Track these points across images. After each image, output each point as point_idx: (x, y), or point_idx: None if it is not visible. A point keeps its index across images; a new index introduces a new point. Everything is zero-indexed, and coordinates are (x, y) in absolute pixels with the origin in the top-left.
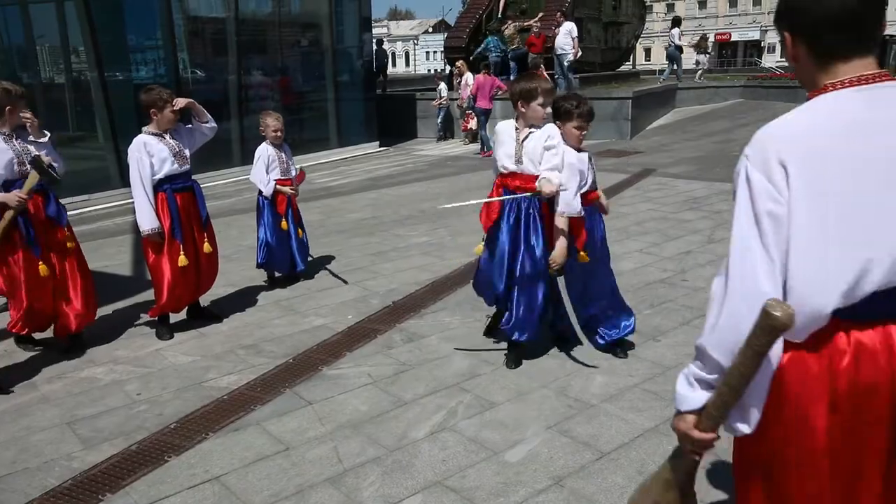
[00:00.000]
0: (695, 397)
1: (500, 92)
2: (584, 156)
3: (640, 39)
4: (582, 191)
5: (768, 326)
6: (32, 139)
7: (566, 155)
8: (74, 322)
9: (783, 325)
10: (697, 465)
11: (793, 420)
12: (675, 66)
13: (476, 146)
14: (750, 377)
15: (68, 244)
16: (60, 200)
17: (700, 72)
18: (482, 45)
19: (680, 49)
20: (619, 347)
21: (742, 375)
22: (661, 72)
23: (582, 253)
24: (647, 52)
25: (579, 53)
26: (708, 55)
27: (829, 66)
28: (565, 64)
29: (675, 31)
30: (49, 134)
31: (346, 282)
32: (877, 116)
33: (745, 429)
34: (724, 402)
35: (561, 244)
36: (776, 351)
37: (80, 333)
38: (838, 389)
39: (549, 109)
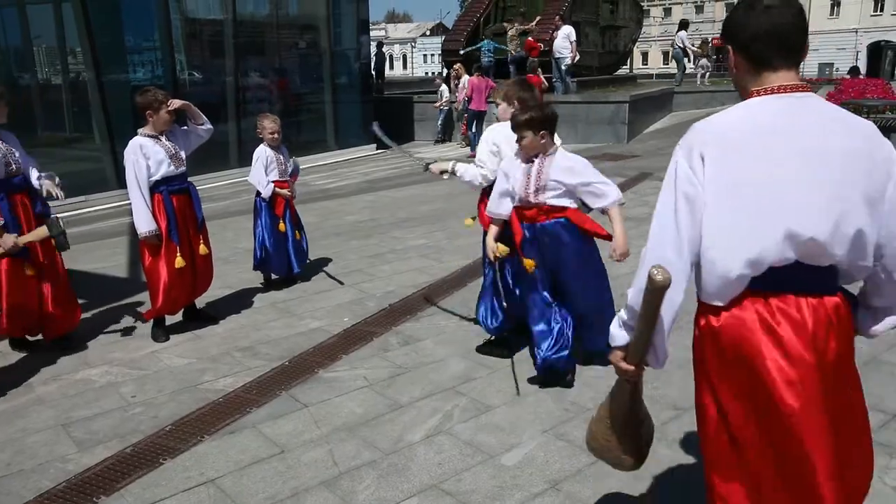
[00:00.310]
0: (620, 336)
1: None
2: (517, 164)
3: (637, 43)
4: (514, 204)
5: (651, 285)
6: (48, 193)
7: (506, 159)
8: (63, 322)
9: (661, 284)
10: (636, 390)
11: (732, 362)
12: (683, 69)
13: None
14: (650, 325)
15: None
16: (57, 202)
17: (706, 74)
18: (477, 45)
19: (685, 52)
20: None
21: (644, 323)
22: (679, 78)
23: (526, 260)
24: (644, 56)
25: (577, 57)
26: (708, 59)
27: (760, 75)
28: (563, 68)
29: (682, 33)
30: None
31: (342, 283)
32: (786, 121)
33: (655, 365)
34: (638, 342)
35: (487, 237)
36: (670, 305)
37: (68, 334)
38: (769, 339)
39: (498, 109)
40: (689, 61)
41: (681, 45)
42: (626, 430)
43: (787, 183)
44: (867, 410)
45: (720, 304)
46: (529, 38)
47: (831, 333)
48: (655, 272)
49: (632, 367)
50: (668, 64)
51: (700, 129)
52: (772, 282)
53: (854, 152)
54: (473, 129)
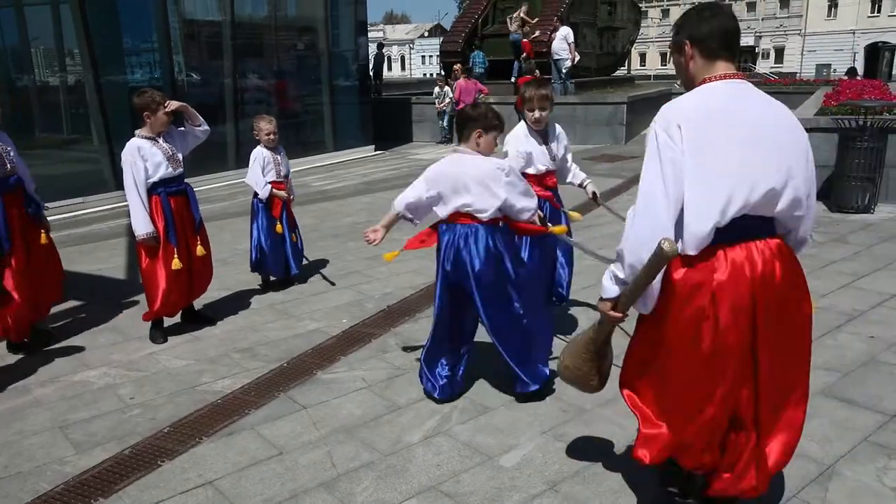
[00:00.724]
0: (612, 289)
1: (481, 96)
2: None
3: (634, 45)
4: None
5: (661, 253)
6: None
7: None
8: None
9: (670, 255)
10: (612, 332)
11: (685, 306)
12: None
13: None
14: (647, 284)
15: (43, 241)
16: (57, 203)
17: None
18: (470, 60)
19: None
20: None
21: (643, 281)
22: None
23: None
24: (643, 57)
25: (577, 58)
26: None
27: (711, 65)
28: (563, 70)
29: None
30: None
31: (333, 283)
32: (738, 99)
33: (644, 310)
34: (631, 295)
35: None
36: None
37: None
38: (716, 288)
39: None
40: None
41: None
42: (597, 362)
43: (749, 146)
44: (811, 332)
45: (693, 253)
46: (525, 40)
47: (776, 263)
48: (665, 244)
49: (620, 315)
50: (665, 65)
51: (672, 108)
52: (730, 235)
53: (789, 125)
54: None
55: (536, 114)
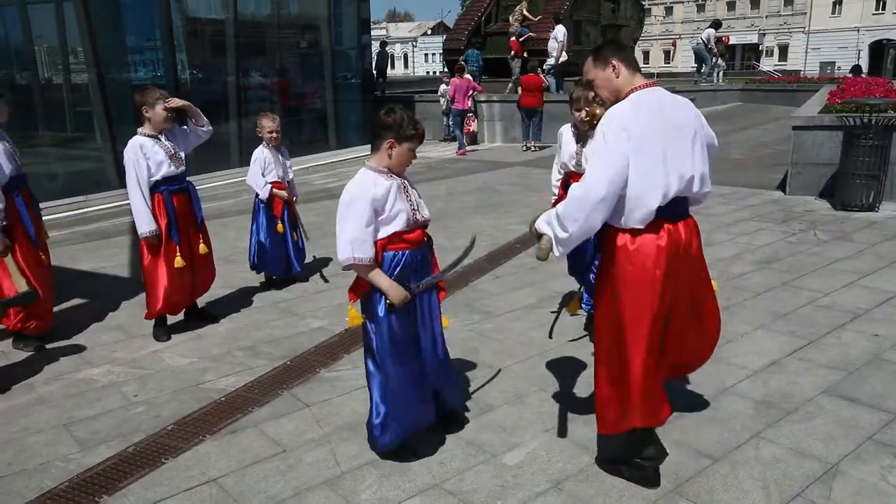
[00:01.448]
0: (546, 231)
1: (474, 93)
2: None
3: (638, 43)
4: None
5: (541, 250)
6: None
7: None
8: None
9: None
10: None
11: (638, 268)
12: (704, 66)
13: (475, 146)
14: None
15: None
16: (60, 201)
17: (721, 72)
18: (463, 57)
19: (710, 51)
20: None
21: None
22: (706, 73)
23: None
24: (646, 55)
25: (563, 58)
26: (722, 57)
27: (633, 76)
28: (545, 67)
29: (711, 31)
30: None
31: (327, 280)
32: (660, 104)
33: (557, 253)
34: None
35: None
36: (589, 231)
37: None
38: (661, 252)
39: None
40: (711, 59)
41: (705, 41)
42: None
43: (675, 141)
44: (712, 286)
45: (641, 227)
46: (512, 39)
47: (693, 238)
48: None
49: (545, 251)
50: (669, 63)
51: (616, 112)
52: (665, 213)
53: (697, 121)
54: (461, 128)
55: (583, 114)
